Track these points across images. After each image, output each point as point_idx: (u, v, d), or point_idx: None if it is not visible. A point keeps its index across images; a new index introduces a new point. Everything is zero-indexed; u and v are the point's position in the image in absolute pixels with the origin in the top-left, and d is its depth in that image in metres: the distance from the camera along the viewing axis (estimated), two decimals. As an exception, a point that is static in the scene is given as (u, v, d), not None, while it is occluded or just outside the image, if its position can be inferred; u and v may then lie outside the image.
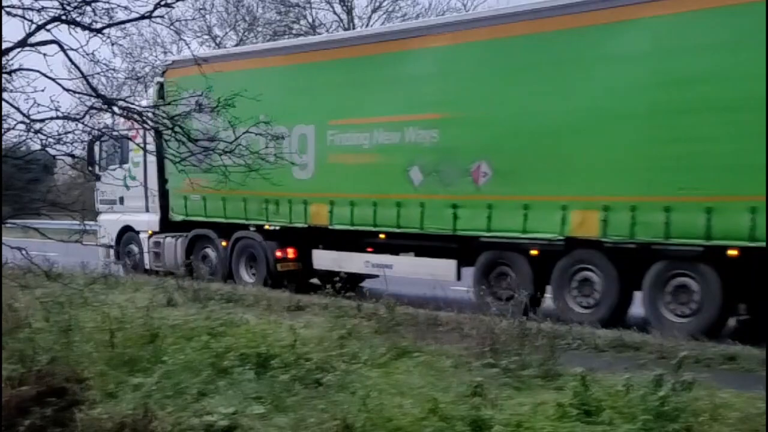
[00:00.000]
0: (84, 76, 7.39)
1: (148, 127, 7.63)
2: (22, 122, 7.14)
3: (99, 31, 7.03)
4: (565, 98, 11.86)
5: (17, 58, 6.87)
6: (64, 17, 6.81)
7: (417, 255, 14.20)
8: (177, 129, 7.64)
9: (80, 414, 6.17)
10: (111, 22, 7.08)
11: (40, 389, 6.22)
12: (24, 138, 7.28)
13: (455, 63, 12.91)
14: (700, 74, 10.50)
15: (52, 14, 6.75)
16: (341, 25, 38.45)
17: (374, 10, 38.03)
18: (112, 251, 18.52)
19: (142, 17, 7.28)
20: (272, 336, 9.16)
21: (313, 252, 15.53)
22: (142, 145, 13.84)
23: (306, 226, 15.12)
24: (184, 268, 15.42)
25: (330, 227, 14.70)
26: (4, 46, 6.71)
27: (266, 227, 15.88)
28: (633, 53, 11.24)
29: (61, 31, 6.89)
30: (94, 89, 7.31)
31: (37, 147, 7.38)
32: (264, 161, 8.46)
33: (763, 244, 10.03)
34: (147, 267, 17.82)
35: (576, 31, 11.65)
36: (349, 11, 38.36)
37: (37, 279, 10.35)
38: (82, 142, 7.51)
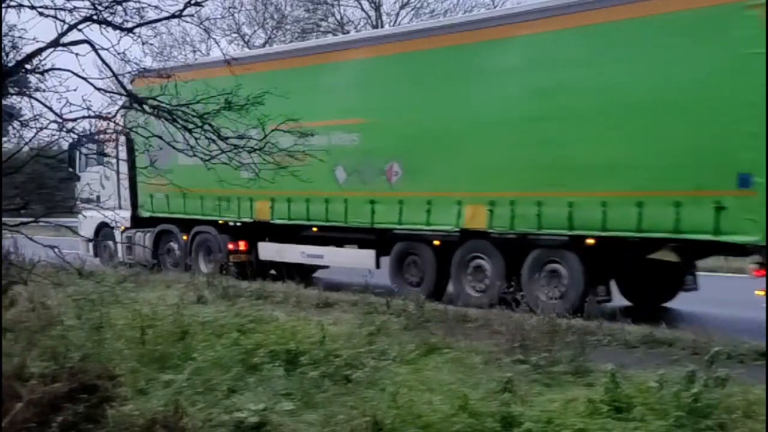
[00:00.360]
0: (115, 75, 7.42)
1: (178, 125, 7.64)
2: (54, 122, 7.20)
3: (130, 30, 7.06)
4: (457, 107, 13.59)
5: (50, 58, 6.92)
6: (95, 17, 6.84)
7: (343, 246, 16.21)
8: (207, 127, 7.68)
9: (111, 410, 6.20)
10: (142, 21, 7.11)
11: (72, 386, 6.25)
12: (56, 137, 7.33)
13: (373, 74, 14.40)
14: (563, 86, 12.08)
15: (83, 14, 6.79)
16: (369, 21, 38.46)
17: (402, 7, 37.98)
18: (91, 245, 20.00)
19: (173, 16, 7.30)
20: (301, 333, 9.17)
21: (258, 244, 17.35)
22: (114, 153, 15.36)
23: (252, 221, 16.93)
24: (152, 260, 17.74)
25: (271, 222, 16.49)
26: (37, 46, 6.77)
27: (220, 222, 17.62)
28: (509, 67, 12.95)
29: (93, 31, 6.94)
30: (124, 88, 7.35)
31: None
32: (293, 158, 8.50)
33: (614, 234, 11.87)
34: (121, 260, 19.40)
35: (465, 46, 13.46)
36: (377, 8, 38.35)
37: (70, 277, 10.45)
38: (113, 141, 7.55)
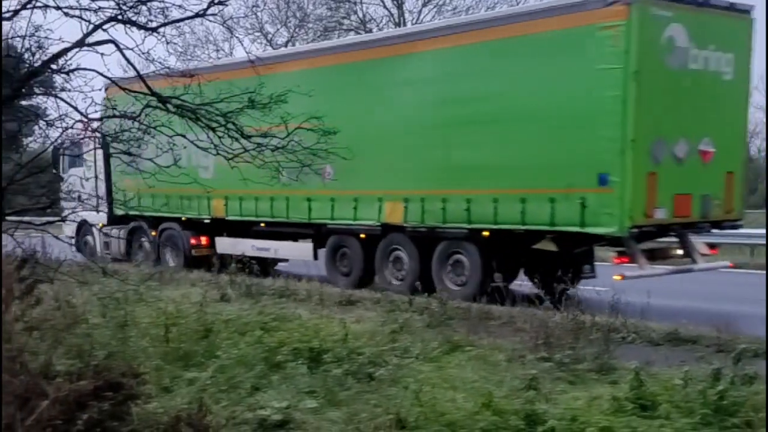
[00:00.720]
0: (139, 75, 7.46)
1: (201, 124, 7.68)
2: (80, 121, 7.25)
3: (154, 30, 7.09)
4: (377, 114, 15.16)
5: (75, 58, 6.96)
6: (120, 17, 6.88)
7: (288, 240, 17.66)
8: (230, 126, 7.72)
9: (136, 408, 6.22)
10: (166, 21, 7.14)
11: (97, 384, 6.27)
12: (82, 136, 7.38)
13: (314, 83, 14.80)
14: (460, 97, 13.49)
15: (108, 14, 6.82)
16: (392, 20, 38.45)
17: (424, 4, 37.94)
18: (73, 241, 20.74)
19: (196, 15, 7.33)
20: (324, 330, 9.19)
21: (216, 239, 19.08)
22: (92, 156, 16.50)
23: (210, 217, 18.52)
24: (126, 254, 19.85)
25: (226, 218, 18.05)
26: (63, 46, 6.81)
27: (183, 219, 19.06)
28: (418, 79, 14.45)
29: (117, 31, 6.97)
30: (149, 87, 7.38)
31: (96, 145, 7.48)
32: (316, 157, 8.57)
33: (504, 226, 13.48)
34: (99, 254, 20.54)
35: (381, 60, 15.01)
36: (400, 6, 38.32)
37: (95, 275, 10.52)
38: (137, 140, 7.60)
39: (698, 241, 14.01)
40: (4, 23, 6.96)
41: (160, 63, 7.57)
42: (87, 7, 6.77)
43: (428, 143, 14.21)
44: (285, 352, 8.38)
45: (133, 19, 6.94)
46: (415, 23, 37.64)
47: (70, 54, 6.85)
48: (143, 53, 7.11)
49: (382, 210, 15.14)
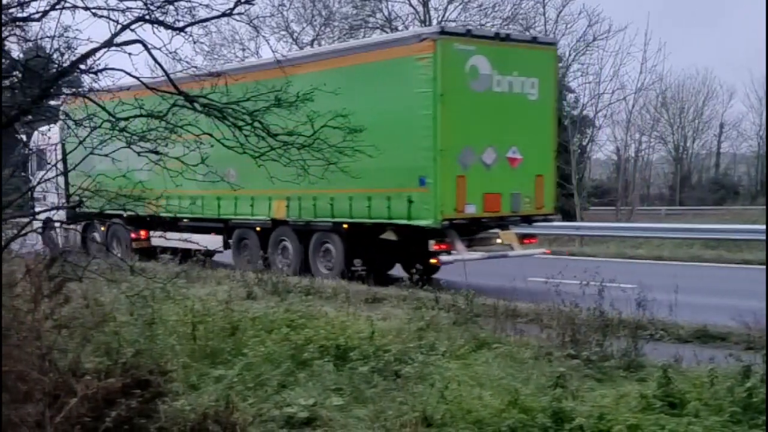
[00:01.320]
0: (167, 75, 7.48)
1: (228, 123, 7.71)
2: (107, 120, 7.29)
3: (181, 29, 7.11)
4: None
5: (103, 58, 7.00)
6: (147, 17, 6.90)
7: (205, 233, 19.39)
8: (257, 124, 7.75)
9: (164, 406, 6.27)
10: (193, 20, 7.16)
11: (125, 381, 6.32)
12: (109, 136, 7.43)
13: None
14: (322, 113, 14.07)
15: (136, 14, 6.85)
16: (417, 17, 38.41)
17: (450, 1, 37.85)
18: (41, 237, 22.40)
19: (223, 15, 7.33)
20: (351, 328, 9.19)
21: (151, 233, 21.41)
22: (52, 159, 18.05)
23: (145, 214, 19.68)
24: (82, 248, 20.61)
25: (159, 215, 18.42)
26: (92, 46, 6.85)
27: (125, 215, 20.17)
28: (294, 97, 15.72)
29: (145, 31, 7.00)
30: (176, 87, 7.41)
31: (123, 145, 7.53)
32: (342, 155, 8.61)
33: (357, 220, 16.40)
34: (61, 248, 21.83)
35: (270, 81, 16.35)
36: (425, 3, 38.26)
37: (123, 273, 10.59)
38: (164, 139, 7.64)
39: (516, 232, 17.11)
40: (34, 24, 7.03)
41: (187, 62, 7.59)
42: (115, 7, 6.81)
43: (303, 150, 15.53)
44: (311, 349, 8.41)
45: (161, 19, 6.96)
46: (441, 21, 37.61)
47: (98, 54, 6.89)
48: (170, 53, 7.14)
49: (271, 207, 18.13)
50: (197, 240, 19.18)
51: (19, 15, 6.84)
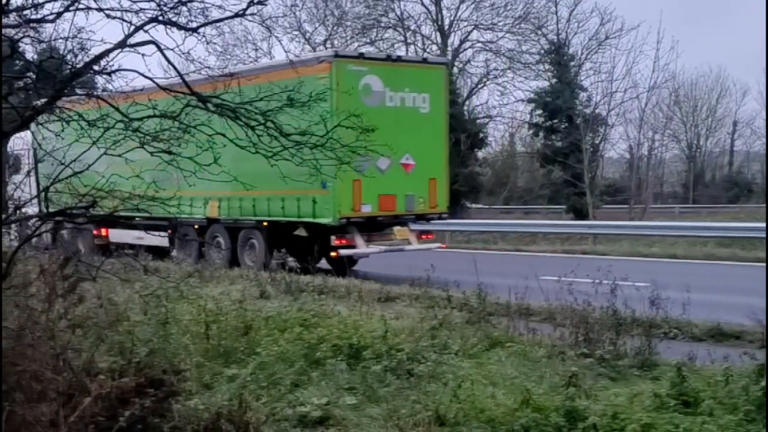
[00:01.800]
0: (180, 75, 7.50)
1: (240, 123, 7.73)
2: (120, 121, 7.32)
3: (195, 30, 7.13)
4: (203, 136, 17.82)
5: (116, 59, 7.02)
6: (161, 18, 6.92)
7: (155, 230, 20.41)
8: (269, 124, 7.76)
9: (177, 405, 6.29)
10: (206, 21, 7.17)
11: (139, 381, 6.34)
12: (123, 136, 7.47)
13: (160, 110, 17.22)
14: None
15: (149, 15, 6.87)
16: (429, 16, 38.42)
17: (462, 1, 37.83)
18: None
19: (236, 15, 7.34)
20: (364, 327, 9.19)
21: (110, 231, 22.89)
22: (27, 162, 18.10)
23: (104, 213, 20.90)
24: (52, 245, 21.77)
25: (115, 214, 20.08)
26: (105, 47, 6.87)
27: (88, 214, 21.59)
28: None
29: (158, 32, 7.01)
30: (189, 87, 7.43)
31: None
32: (355, 154, 8.64)
33: (274, 218, 18.67)
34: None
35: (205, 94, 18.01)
36: (437, 3, 38.27)
37: (136, 273, 10.62)
38: (177, 139, 7.68)
39: (413, 229, 19.12)
40: (48, 26, 7.06)
41: (200, 63, 7.61)
42: (128, 8, 6.82)
43: (231, 156, 16.65)
44: (324, 348, 8.41)
45: (174, 20, 6.98)
46: (453, 20, 37.67)
47: (111, 55, 6.91)
48: (183, 53, 7.16)
49: (207, 207, 20.13)
50: (148, 237, 20.41)
51: (34, 17, 6.87)
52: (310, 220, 17.96)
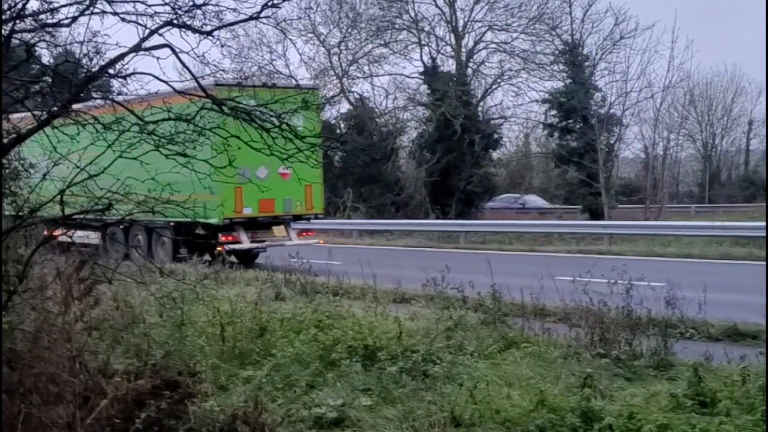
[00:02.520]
0: (195, 78, 7.54)
1: (255, 125, 7.77)
2: (136, 124, 7.36)
3: (209, 33, 7.15)
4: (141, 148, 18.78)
5: (131, 63, 7.06)
6: (175, 21, 6.95)
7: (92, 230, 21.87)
8: (284, 127, 7.79)
9: (193, 407, 6.32)
10: (221, 24, 7.19)
11: (155, 383, 6.38)
12: (138, 139, 7.51)
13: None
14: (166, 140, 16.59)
15: (164, 19, 6.89)
16: (443, 18, 38.37)
17: (476, 2, 37.76)
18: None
19: (251, 18, 7.36)
20: (379, 328, 9.19)
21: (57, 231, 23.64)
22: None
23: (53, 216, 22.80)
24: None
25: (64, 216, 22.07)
26: (120, 51, 6.91)
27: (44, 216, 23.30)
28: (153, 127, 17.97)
29: (173, 35, 7.04)
30: (204, 90, 7.46)
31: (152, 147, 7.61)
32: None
33: (179, 219, 17.52)
34: None
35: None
36: (452, 4, 38.20)
37: (152, 275, 10.66)
38: (193, 141, 7.72)
39: (293, 228, 22.50)
40: (63, 30, 7.11)
41: (215, 66, 7.64)
42: (143, 12, 6.86)
43: (152, 167, 17.63)
44: (340, 350, 8.42)
45: (189, 23, 7.00)
46: (467, 21, 37.62)
47: (126, 58, 6.94)
48: (198, 56, 7.19)
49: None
50: (88, 236, 22.66)
51: (50, 21, 6.91)
52: (203, 220, 20.35)
